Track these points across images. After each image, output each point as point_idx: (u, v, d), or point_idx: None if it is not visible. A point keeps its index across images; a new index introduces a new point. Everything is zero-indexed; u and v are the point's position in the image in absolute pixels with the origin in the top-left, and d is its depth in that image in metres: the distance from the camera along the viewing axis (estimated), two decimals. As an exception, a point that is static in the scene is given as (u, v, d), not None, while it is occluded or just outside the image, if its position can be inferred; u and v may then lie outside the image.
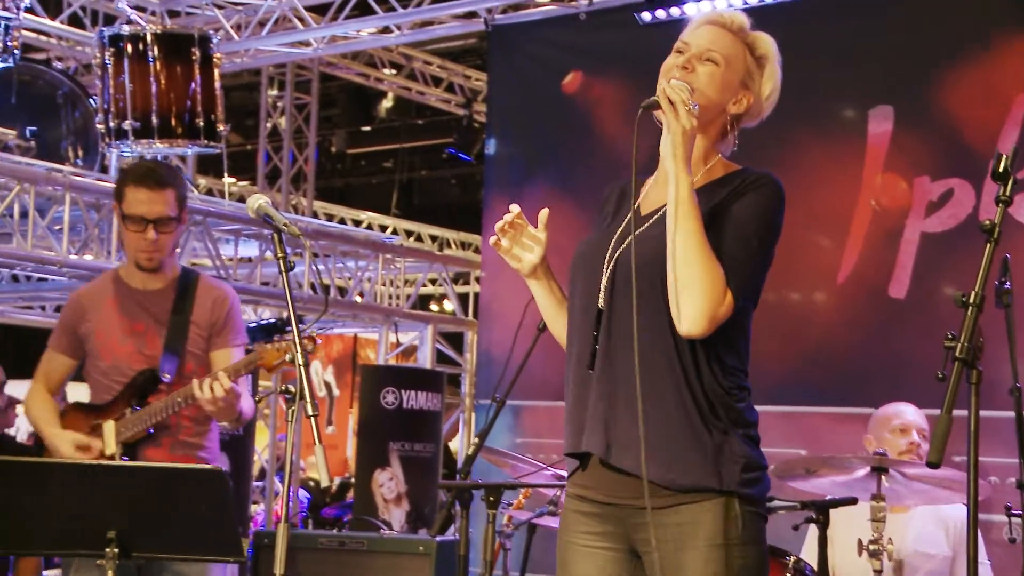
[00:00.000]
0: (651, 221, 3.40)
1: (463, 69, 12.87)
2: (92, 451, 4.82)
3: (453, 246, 15.94)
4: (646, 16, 8.23)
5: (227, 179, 9.54)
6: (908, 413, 5.86)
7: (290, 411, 3.95)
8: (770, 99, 3.52)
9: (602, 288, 3.36)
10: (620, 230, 3.42)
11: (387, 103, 14.62)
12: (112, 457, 4.80)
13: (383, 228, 15.35)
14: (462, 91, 12.85)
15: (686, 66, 3.35)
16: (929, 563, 5.66)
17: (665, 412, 3.27)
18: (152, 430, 4.84)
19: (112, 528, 4.21)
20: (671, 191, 3.23)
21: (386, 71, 12.47)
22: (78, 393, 5.41)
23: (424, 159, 16.12)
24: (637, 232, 3.29)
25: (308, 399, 3.86)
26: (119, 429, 4.83)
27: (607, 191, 3.66)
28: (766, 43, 3.48)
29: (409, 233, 15.98)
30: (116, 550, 4.21)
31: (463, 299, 11.32)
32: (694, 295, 3.18)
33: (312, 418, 3.84)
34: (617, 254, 3.37)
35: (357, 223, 15.26)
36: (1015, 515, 4.58)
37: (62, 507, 4.29)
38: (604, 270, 3.38)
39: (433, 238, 16.17)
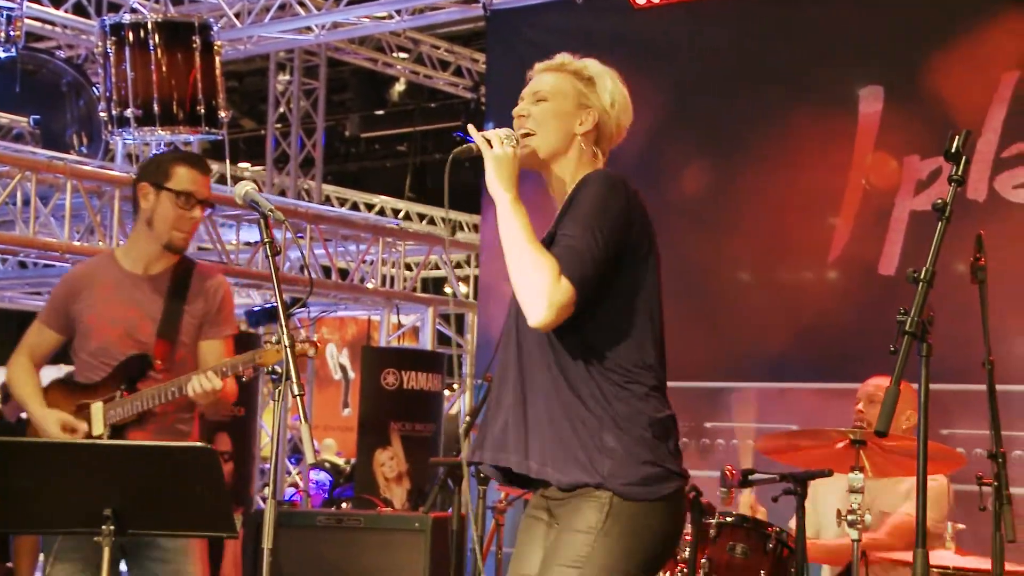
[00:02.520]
0: None
1: (471, 53, 12.84)
2: (78, 432, 4.82)
3: (466, 228, 15.93)
4: (640, 1, 8.32)
5: (228, 165, 9.55)
6: (866, 384, 5.97)
7: (276, 391, 4.04)
8: (617, 108, 3.67)
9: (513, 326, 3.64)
10: None
11: (399, 87, 14.62)
12: (99, 438, 4.81)
13: (396, 212, 15.41)
14: (470, 75, 12.86)
15: (521, 114, 3.64)
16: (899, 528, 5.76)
17: (548, 420, 3.48)
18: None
19: (108, 506, 4.29)
20: (497, 211, 3.53)
21: (397, 56, 12.49)
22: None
23: (437, 142, 16.06)
24: None
25: (294, 380, 3.94)
26: (107, 411, 4.84)
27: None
28: (590, 65, 3.69)
29: (422, 216, 16.01)
30: (112, 527, 4.29)
31: (472, 281, 11.36)
32: (528, 288, 3.39)
33: (298, 398, 3.92)
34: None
35: (370, 207, 15.34)
36: (985, 485, 4.65)
37: (58, 486, 4.32)
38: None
39: (448, 221, 16.12)
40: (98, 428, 4.85)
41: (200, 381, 4.65)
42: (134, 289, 4.96)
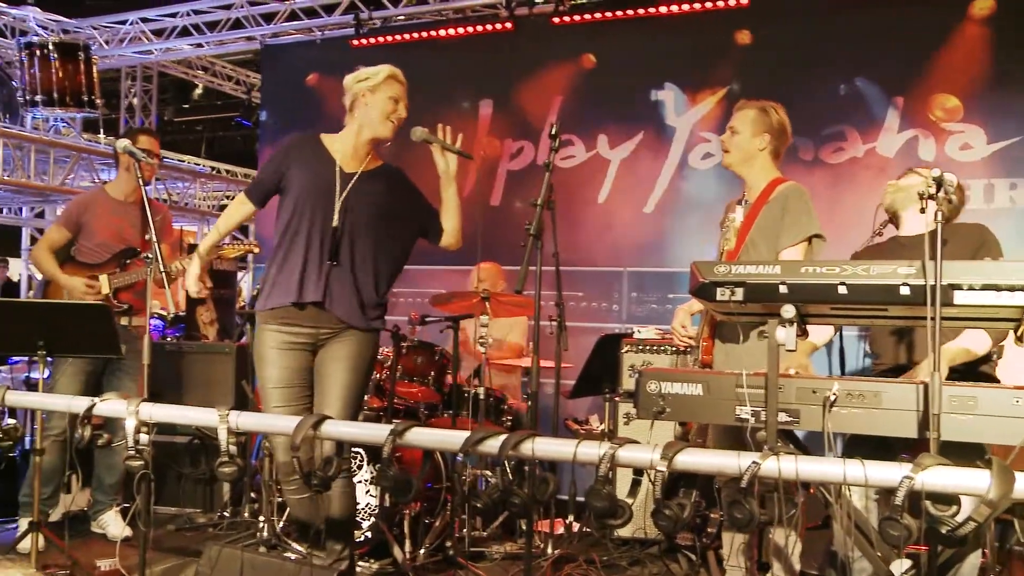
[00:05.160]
0: (357, 178, 3.53)
1: (246, 71, 12.33)
2: (95, 288, 4.72)
3: (239, 176, 15.30)
4: (354, 43, 8.09)
5: (101, 134, 8.96)
6: (478, 268, 6.08)
7: (149, 269, 3.84)
8: None
9: (336, 212, 3.44)
10: (339, 179, 3.49)
11: (199, 90, 13.88)
12: (107, 296, 4.73)
13: (197, 164, 14.66)
14: (244, 84, 12.30)
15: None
16: (511, 348, 5.91)
17: (358, 286, 3.47)
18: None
19: (41, 338, 4.04)
20: (453, 190, 3.73)
21: (199, 72, 11.78)
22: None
23: (222, 124, 15.37)
24: (353, 185, 3.50)
25: (160, 263, 3.77)
26: (111, 280, 4.76)
27: (298, 140, 3.62)
28: None
29: (213, 168, 15.27)
30: (44, 352, 4.05)
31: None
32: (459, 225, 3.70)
33: (164, 273, 3.76)
34: (345, 195, 3.46)
35: (181, 161, 14.56)
36: (553, 321, 4.80)
37: (12, 327, 4.09)
38: (336, 202, 3.44)
39: (228, 171, 15.49)
40: (105, 289, 4.76)
41: (176, 264, 4.66)
42: (120, 208, 4.88)
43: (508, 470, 2.34)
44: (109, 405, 2.99)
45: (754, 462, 2.09)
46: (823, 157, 6.47)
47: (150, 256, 3.78)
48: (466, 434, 2.45)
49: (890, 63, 6.36)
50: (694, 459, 2.19)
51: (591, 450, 2.29)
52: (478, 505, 2.38)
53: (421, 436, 2.55)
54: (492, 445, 2.41)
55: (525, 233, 3.24)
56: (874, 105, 6.41)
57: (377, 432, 2.59)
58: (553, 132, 3.39)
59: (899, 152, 6.28)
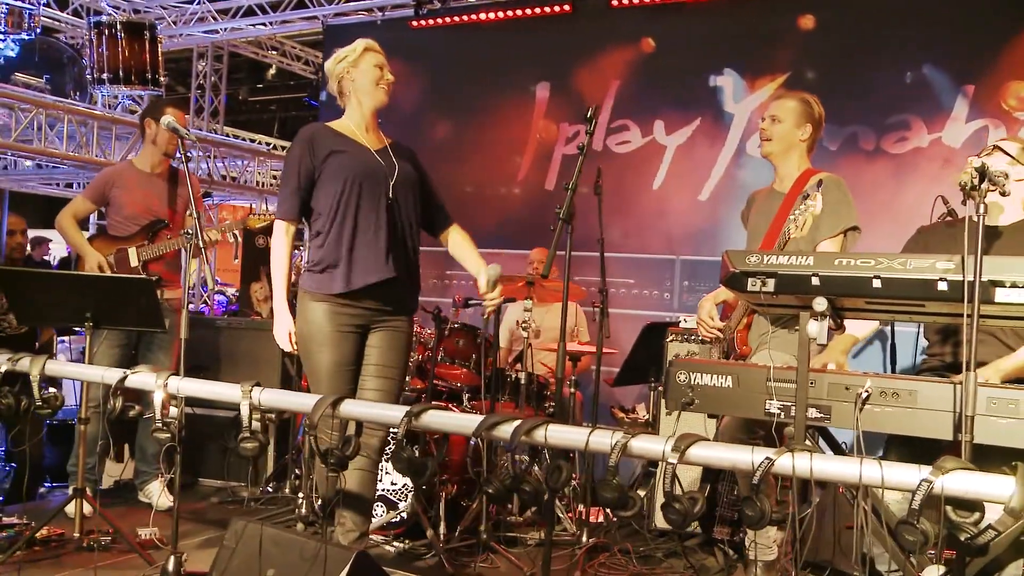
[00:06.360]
0: (388, 153, 3.53)
1: (314, 51, 12.44)
2: (106, 270, 4.75)
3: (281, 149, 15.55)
4: (414, 24, 8.07)
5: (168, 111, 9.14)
6: (533, 251, 6.06)
7: (190, 244, 3.86)
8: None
9: (390, 191, 3.44)
10: (380, 158, 3.49)
11: (272, 70, 14.05)
12: (136, 269, 4.81)
13: (268, 143, 14.84)
14: (313, 64, 12.41)
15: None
16: (553, 332, 5.84)
17: (414, 259, 3.58)
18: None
19: (88, 311, 4.11)
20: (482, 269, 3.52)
21: (270, 52, 11.91)
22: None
23: (294, 103, 15.55)
24: (388, 160, 3.51)
25: (199, 238, 3.78)
26: (139, 253, 4.83)
27: (311, 132, 3.57)
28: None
29: (284, 147, 15.44)
30: (91, 324, 4.12)
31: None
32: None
33: (202, 249, 3.77)
34: (389, 171, 3.48)
35: (253, 141, 14.75)
36: (596, 307, 4.74)
37: (61, 299, 4.17)
38: (385, 178, 3.45)
39: (297, 150, 15.67)
40: (134, 262, 4.83)
41: (212, 234, 4.77)
42: (148, 181, 4.93)
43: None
44: (139, 378, 3.02)
45: (767, 458, 2.01)
46: (885, 147, 6.24)
47: (190, 232, 3.79)
48: (480, 418, 2.41)
49: (961, 49, 6.11)
50: (707, 452, 2.12)
51: (603, 439, 2.23)
52: (489, 491, 2.34)
53: (436, 419, 2.52)
54: (505, 431, 2.37)
55: (557, 216, 3.17)
56: (941, 93, 6.16)
57: (393, 414, 2.57)
58: (589, 115, 3.31)
59: (966, 142, 6.04)
